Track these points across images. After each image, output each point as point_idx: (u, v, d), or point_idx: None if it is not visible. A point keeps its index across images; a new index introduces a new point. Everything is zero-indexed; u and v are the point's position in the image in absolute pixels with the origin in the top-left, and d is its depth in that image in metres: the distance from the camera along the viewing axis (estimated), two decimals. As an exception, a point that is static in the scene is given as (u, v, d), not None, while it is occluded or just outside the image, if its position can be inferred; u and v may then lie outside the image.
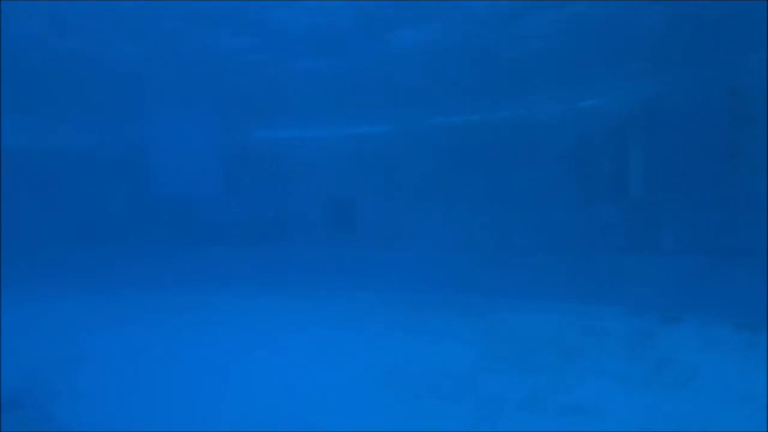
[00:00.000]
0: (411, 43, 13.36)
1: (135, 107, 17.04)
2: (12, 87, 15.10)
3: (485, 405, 6.84)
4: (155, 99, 16.74)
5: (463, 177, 15.25)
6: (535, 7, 11.24)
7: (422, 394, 7.17)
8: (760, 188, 10.98)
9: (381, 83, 15.32)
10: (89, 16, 11.45)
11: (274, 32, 12.62)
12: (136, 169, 17.37)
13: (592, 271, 11.31)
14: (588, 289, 10.37)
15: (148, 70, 15.44)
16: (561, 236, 13.02)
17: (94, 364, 8.44)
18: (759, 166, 11.16)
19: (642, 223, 12.90)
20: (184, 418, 6.67)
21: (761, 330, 8.12)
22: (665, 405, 6.60)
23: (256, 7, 11.07)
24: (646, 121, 13.14)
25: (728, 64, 11.88)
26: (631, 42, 12.46)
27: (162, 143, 17.34)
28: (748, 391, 6.70)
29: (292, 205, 16.78)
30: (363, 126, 16.80)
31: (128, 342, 9.32)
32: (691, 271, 10.56)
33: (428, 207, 15.10)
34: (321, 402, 7.07)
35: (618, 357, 7.81)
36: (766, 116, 11.00)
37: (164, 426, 6.50)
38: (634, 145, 13.28)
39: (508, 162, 14.63)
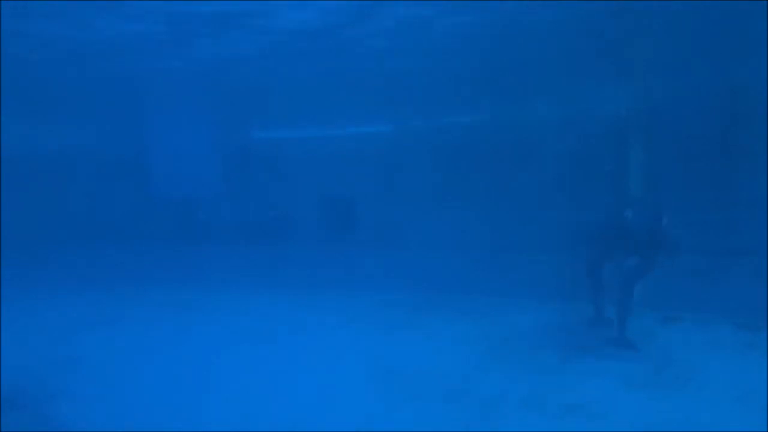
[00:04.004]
0: (409, 43, 13.39)
1: (135, 107, 17.05)
2: (11, 88, 15.12)
3: (485, 405, 6.83)
4: (155, 99, 16.75)
5: (463, 177, 15.25)
6: (537, 6, 11.25)
7: (422, 394, 7.16)
8: (760, 188, 10.98)
9: (381, 83, 15.34)
10: (88, 16, 11.47)
11: (274, 31, 12.64)
12: (136, 169, 17.38)
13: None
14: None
15: (147, 71, 15.46)
16: (561, 236, 13.01)
17: (95, 363, 8.44)
18: (759, 166, 11.16)
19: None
20: (184, 417, 6.67)
21: (761, 330, 8.12)
22: (665, 405, 6.60)
23: (257, 6, 11.08)
24: (646, 121, 13.14)
25: (728, 64, 11.88)
26: (632, 42, 12.47)
27: (161, 143, 17.34)
28: (748, 391, 6.70)
29: (292, 204, 16.79)
30: (363, 126, 16.80)
31: (128, 341, 9.32)
32: (691, 271, 10.55)
33: (428, 207, 15.10)
34: (320, 401, 7.07)
35: (618, 357, 7.81)
36: (766, 116, 11.00)
37: (165, 426, 6.49)
38: (634, 145, 13.27)
39: (508, 162, 14.63)
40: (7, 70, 14.22)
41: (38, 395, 7.37)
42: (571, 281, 10.77)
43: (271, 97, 16.28)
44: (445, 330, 9.26)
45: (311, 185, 16.51)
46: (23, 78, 15.17)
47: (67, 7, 10.73)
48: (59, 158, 17.46)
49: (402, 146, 16.21)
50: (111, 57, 14.09)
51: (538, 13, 11.42)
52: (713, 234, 11.65)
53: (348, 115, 16.80)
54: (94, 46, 12.97)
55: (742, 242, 11.03)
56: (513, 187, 14.39)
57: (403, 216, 15.23)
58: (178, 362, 8.33)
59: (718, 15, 10.93)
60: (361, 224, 16.09)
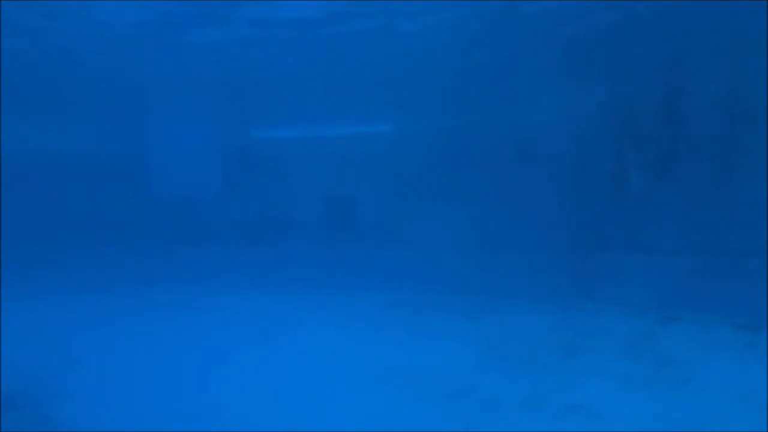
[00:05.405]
0: (407, 42, 13.38)
1: (134, 108, 17.04)
2: (12, 89, 15.11)
3: (485, 405, 6.83)
4: (155, 99, 16.73)
5: (464, 177, 15.24)
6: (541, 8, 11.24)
7: (422, 394, 7.16)
8: (760, 188, 10.98)
9: (382, 82, 15.33)
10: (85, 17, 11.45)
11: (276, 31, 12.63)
12: (137, 169, 17.36)
13: (592, 271, 11.31)
14: (588, 289, 10.37)
15: (146, 72, 15.45)
16: (561, 236, 13.02)
17: (95, 363, 8.44)
18: (759, 166, 11.16)
19: (642, 223, 12.91)
20: (184, 417, 6.67)
21: (761, 330, 8.11)
22: (665, 405, 6.59)
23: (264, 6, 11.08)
24: (647, 121, 13.14)
25: (728, 65, 11.88)
26: (633, 42, 12.46)
27: (162, 143, 17.32)
28: (748, 391, 6.69)
29: (292, 204, 16.79)
30: (363, 126, 16.80)
31: (128, 342, 9.32)
32: (691, 271, 10.55)
33: (428, 207, 15.10)
34: (320, 402, 7.07)
35: (618, 357, 7.80)
36: (766, 116, 11.00)
37: (165, 426, 6.49)
38: (635, 146, 13.28)
39: (508, 162, 14.62)
40: (7, 68, 14.23)
41: (38, 395, 7.37)
42: (570, 281, 10.78)
43: (273, 97, 16.29)
44: (446, 330, 9.25)
45: (312, 185, 16.52)
46: (22, 79, 15.17)
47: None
48: (61, 159, 17.45)
49: (402, 147, 16.22)
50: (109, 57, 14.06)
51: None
52: (713, 234, 11.66)
53: (350, 114, 16.82)
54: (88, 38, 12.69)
55: (742, 242, 11.03)
56: (513, 187, 14.40)
57: (403, 216, 15.24)
58: (177, 362, 8.33)
59: (717, 14, 10.94)
60: (361, 224, 16.10)
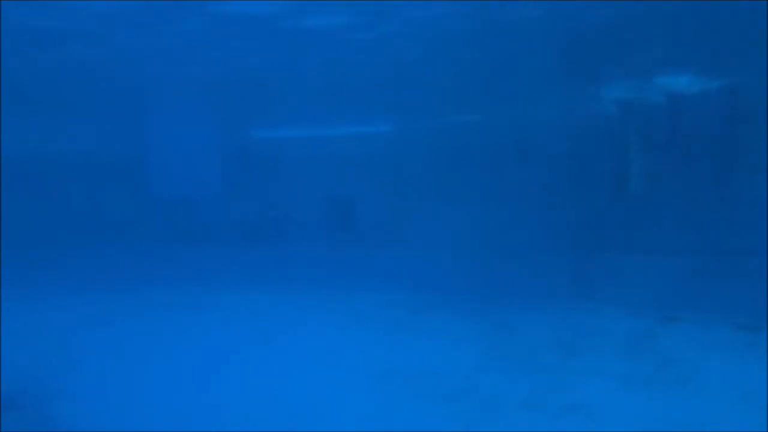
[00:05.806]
0: (407, 42, 13.39)
1: (134, 107, 17.04)
2: (12, 90, 15.11)
3: (485, 405, 6.83)
4: (155, 99, 16.73)
5: (463, 177, 15.25)
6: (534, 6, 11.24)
7: (422, 394, 7.16)
8: (760, 188, 10.99)
9: (383, 82, 15.34)
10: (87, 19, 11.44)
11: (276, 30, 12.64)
12: (136, 169, 17.36)
13: (592, 271, 11.31)
14: (588, 289, 10.37)
15: (146, 72, 15.45)
16: (561, 236, 13.02)
17: (95, 363, 8.44)
18: (759, 166, 11.18)
19: (642, 223, 12.92)
20: (184, 417, 6.67)
21: (761, 330, 8.11)
22: (665, 405, 6.59)
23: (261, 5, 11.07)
24: (647, 121, 13.15)
25: (728, 64, 11.90)
26: (633, 42, 12.46)
27: (162, 142, 17.33)
28: (748, 391, 6.69)
29: (292, 204, 16.79)
30: (363, 126, 16.80)
31: (128, 342, 9.32)
32: (691, 271, 10.56)
33: (428, 207, 15.10)
34: (320, 402, 7.07)
35: (618, 357, 7.80)
36: (766, 116, 11.01)
37: (165, 426, 6.49)
38: (634, 145, 13.28)
39: (508, 162, 14.63)
40: (7, 67, 14.22)
41: (38, 395, 7.37)
42: (570, 281, 10.78)
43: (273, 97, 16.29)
44: (446, 330, 9.25)
45: (312, 185, 16.52)
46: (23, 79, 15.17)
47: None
48: (61, 160, 17.45)
49: (402, 147, 16.22)
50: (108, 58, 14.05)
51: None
52: (713, 234, 11.67)
53: (350, 114, 16.82)
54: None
55: (742, 242, 11.03)
56: (513, 187, 14.40)
57: (403, 216, 15.25)
58: (177, 362, 8.33)
59: (717, 13, 10.94)
60: (361, 224, 16.10)
